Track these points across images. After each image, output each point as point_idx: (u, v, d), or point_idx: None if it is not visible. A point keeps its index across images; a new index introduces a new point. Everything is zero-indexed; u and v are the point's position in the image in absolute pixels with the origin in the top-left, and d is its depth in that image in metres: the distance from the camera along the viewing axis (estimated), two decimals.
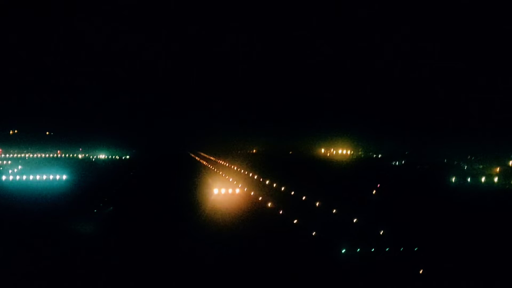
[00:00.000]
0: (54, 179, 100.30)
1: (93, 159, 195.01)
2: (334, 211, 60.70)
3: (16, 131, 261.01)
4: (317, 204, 67.23)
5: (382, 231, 47.54)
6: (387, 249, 41.44)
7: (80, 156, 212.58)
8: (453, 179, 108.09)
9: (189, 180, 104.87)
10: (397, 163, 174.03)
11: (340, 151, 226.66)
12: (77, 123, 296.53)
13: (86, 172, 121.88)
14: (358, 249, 40.99)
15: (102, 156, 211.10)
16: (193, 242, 43.87)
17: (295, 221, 53.85)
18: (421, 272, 36.11)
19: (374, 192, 78.85)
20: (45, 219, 55.45)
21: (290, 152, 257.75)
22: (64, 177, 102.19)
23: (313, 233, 47.39)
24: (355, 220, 54.24)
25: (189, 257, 39.42)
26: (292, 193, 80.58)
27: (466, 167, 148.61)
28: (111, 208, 65.43)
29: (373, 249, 41.28)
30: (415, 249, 41.55)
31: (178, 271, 36.21)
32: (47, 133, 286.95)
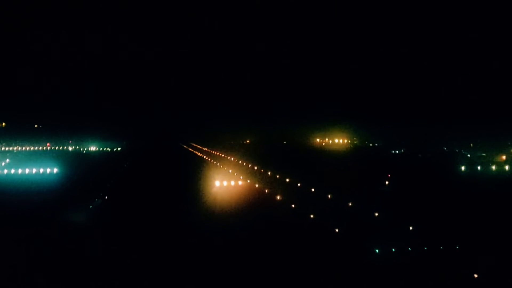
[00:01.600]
0: (45, 173, 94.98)
1: (84, 151, 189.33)
2: (350, 204, 56.23)
3: (3, 124, 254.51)
4: (330, 197, 62.70)
5: (409, 227, 43.24)
6: (424, 248, 37.09)
7: (70, 148, 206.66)
8: (463, 168, 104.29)
9: (187, 173, 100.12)
10: (396, 152, 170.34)
11: (336, 140, 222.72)
12: (67, 115, 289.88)
13: (78, 165, 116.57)
14: (393, 249, 36.53)
15: (92, 148, 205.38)
16: (202, 243, 39.33)
17: (311, 216, 49.34)
18: (467, 272, 31.81)
19: (386, 182, 74.53)
20: (36, 216, 50.99)
21: (284, 142, 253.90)
22: (55, 170, 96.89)
23: (336, 230, 42.92)
24: (376, 214, 49.88)
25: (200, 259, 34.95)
26: (299, 185, 75.90)
27: (469, 155, 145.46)
28: (100, 201, 60.81)
29: (409, 248, 36.88)
30: (457, 247, 37.20)
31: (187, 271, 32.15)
32: (36, 126, 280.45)
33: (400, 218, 47.20)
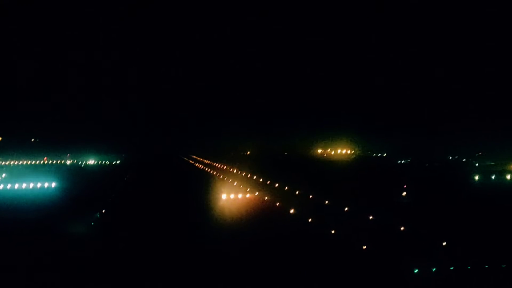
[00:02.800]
0: (42, 187, 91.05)
1: (82, 165, 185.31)
2: (372, 218, 52.44)
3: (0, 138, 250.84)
4: (347, 210, 58.88)
5: (444, 242, 39.52)
6: (467, 266, 33.33)
7: (68, 162, 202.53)
8: (477, 178, 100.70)
9: (191, 186, 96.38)
10: (402, 162, 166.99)
11: (339, 151, 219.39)
12: (64, 129, 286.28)
13: (77, 179, 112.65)
14: (433, 268, 32.76)
15: (91, 161, 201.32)
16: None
17: (332, 232, 45.51)
18: None
19: (404, 194, 70.80)
20: (34, 232, 47.48)
21: (285, 153, 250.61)
22: (53, 184, 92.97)
23: (364, 247, 39.09)
24: (402, 228, 46.12)
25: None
26: (311, 197, 72.10)
27: (477, 164, 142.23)
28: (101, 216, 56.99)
29: (451, 267, 33.12)
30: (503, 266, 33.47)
31: None
32: (32, 140, 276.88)
33: (431, 233, 43.52)
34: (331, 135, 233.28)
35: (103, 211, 60.58)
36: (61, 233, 47.02)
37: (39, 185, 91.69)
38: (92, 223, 53.14)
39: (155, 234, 46.40)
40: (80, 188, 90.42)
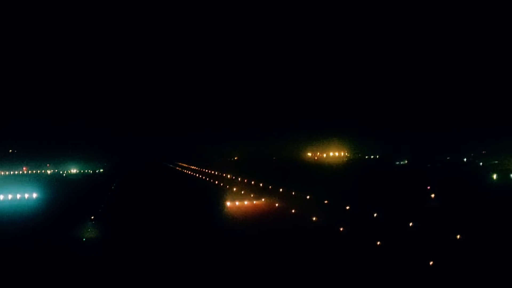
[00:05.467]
0: (22, 198, 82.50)
1: (64, 174, 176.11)
2: (411, 224, 45.12)
3: None
4: (376, 216, 51.43)
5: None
6: None
7: (49, 172, 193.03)
8: (494, 176, 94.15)
9: (191, 197, 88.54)
10: (400, 163, 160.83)
11: (331, 154, 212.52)
12: (43, 139, 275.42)
13: (60, 189, 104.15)
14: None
15: (73, 170, 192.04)
16: None
17: (378, 243, 38.05)
18: None
19: (432, 196, 63.73)
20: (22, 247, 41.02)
21: (274, 158, 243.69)
22: (34, 195, 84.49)
23: (431, 263, 31.73)
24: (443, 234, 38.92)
25: None
26: (326, 202, 64.36)
27: (481, 163, 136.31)
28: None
29: None
30: None
31: None
32: (10, 151, 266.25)
33: (476, 238, 36.71)
34: (321, 138, 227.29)
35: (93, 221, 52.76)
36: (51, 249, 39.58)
37: (18, 196, 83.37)
38: (84, 239, 45.25)
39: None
40: (66, 200, 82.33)
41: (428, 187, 69.29)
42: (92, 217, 56.55)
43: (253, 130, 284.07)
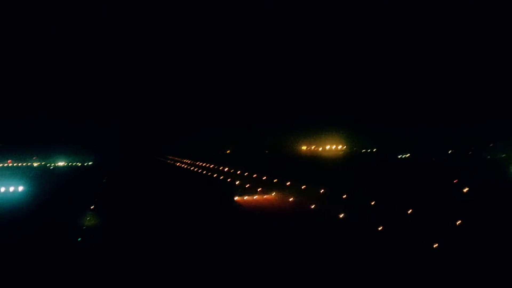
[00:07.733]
0: (7, 191, 76.98)
1: (52, 167, 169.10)
2: (459, 223, 39.25)
3: None
4: (410, 212, 45.41)
5: None
6: None
7: (35, 164, 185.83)
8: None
9: (183, 187, 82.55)
10: (402, 157, 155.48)
11: (328, 147, 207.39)
12: (29, 130, 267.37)
13: (49, 182, 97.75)
14: None
15: (61, 163, 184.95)
16: None
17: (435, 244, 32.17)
18: None
19: (465, 190, 57.99)
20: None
21: (266, 151, 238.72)
22: (20, 188, 78.75)
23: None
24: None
25: None
26: (345, 197, 58.17)
27: (489, 156, 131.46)
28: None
29: None
30: None
31: None
32: None
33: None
34: (316, 131, 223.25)
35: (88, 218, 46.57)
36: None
37: (3, 189, 77.42)
38: (79, 239, 39.16)
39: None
40: (56, 194, 76.31)
41: (455, 181, 63.53)
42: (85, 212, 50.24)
43: (243, 123, 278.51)
